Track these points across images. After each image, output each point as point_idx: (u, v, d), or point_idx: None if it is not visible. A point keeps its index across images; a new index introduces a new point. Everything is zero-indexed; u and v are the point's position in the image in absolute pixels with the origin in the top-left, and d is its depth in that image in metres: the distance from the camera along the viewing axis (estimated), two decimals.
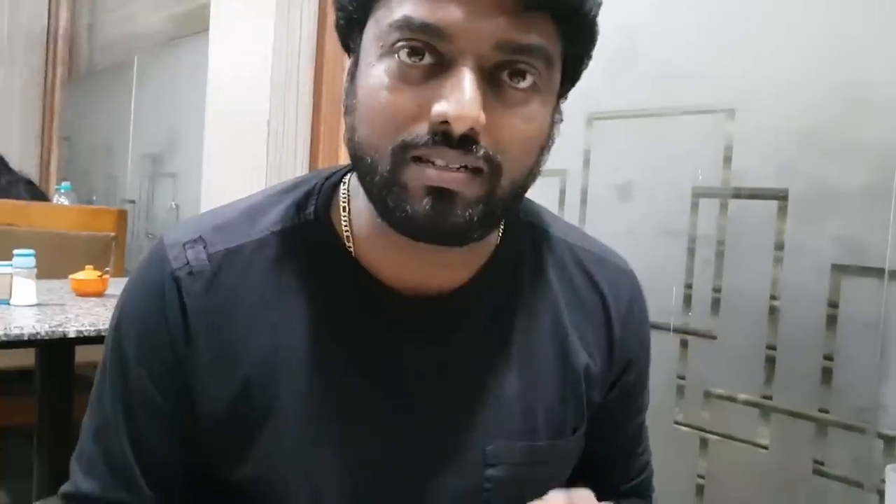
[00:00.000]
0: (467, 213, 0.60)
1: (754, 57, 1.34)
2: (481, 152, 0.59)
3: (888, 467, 0.96)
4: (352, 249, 0.70)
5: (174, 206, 3.29)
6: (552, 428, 0.76)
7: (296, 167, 2.26)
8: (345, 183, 0.73)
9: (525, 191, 0.66)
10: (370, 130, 0.61)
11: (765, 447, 1.30)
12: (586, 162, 1.58)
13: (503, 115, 0.60)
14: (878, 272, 1.18)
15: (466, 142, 0.58)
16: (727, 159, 1.37)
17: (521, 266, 0.76)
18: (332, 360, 0.69)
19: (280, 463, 0.69)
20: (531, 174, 0.65)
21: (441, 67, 0.59)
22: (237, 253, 0.70)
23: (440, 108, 0.57)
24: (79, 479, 0.72)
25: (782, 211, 1.29)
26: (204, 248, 0.70)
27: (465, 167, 0.59)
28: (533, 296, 0.76)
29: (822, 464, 1.23)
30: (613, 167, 1.54)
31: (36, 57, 4.46)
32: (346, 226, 0.71)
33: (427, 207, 0.59)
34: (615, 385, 0.82)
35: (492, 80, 0.60)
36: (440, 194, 0.59)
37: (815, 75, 1.26)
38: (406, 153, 0.59)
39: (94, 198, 3.95)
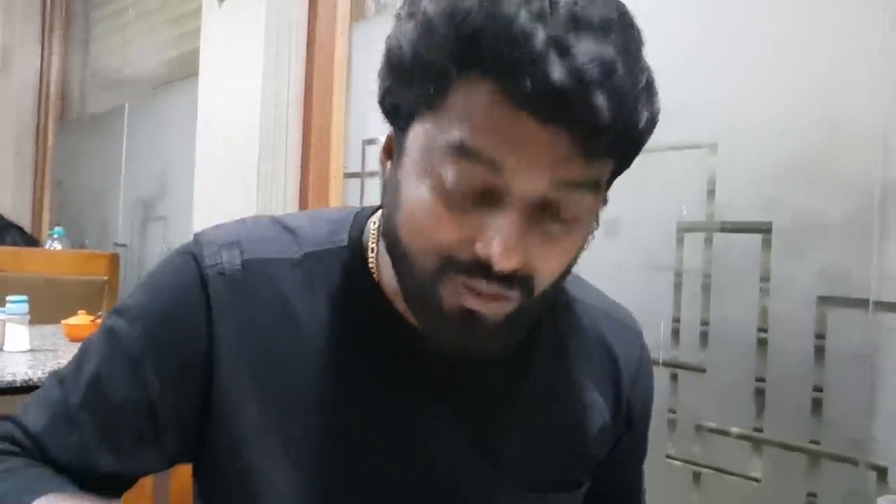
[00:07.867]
0: (496, 333, 0.61)
1: (735, 92, 1.36)
2: (518, 284, 0.59)
3: (880, 499, 0.96)
4: (378, 282, 0.71)
5: (166, 250, 3.28)
6: (560, 481, 0.76)
7: (285, 210, 2.27)
8: (375, 222, 0.73)
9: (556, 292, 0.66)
10: (411, 242, 0.61)
11: (757, 480, 1.30)
12: None
13: (543, 247, 0.58)
14: (863, 303, 1.19)
15: (506, 277, 0.57)
16: (711, 193, 1.38)
17: (539, 324, 0.75)
18: (348, 374, 0.70)
19: (291, 459, 0.68)
20: (562, 280, 0.64)
21: (489, 196, 0.57)
22: (271, 265, 0.70)
23: (485, 250, 0.56)
24: (23, 413, 0.70)
25: (766, 244, 1.30)
26: (240, 253, 0.69)
27: (500, 295, 0.59)
28: (549, 353, 0.76)
29: (815, 496, 1.23)
30: None
31: (29, 103, 4.48)
32: (372, 260, 0.71)
33: (457, 325, 0.60)
34: (619, 441, 0.82)
35: (536, 212, 0.57)
36: (471, 315, 0.59)
37: (794, 109, 1.28)
38: (445, 271, 0.59)
39: (87, 242, 3.94)
